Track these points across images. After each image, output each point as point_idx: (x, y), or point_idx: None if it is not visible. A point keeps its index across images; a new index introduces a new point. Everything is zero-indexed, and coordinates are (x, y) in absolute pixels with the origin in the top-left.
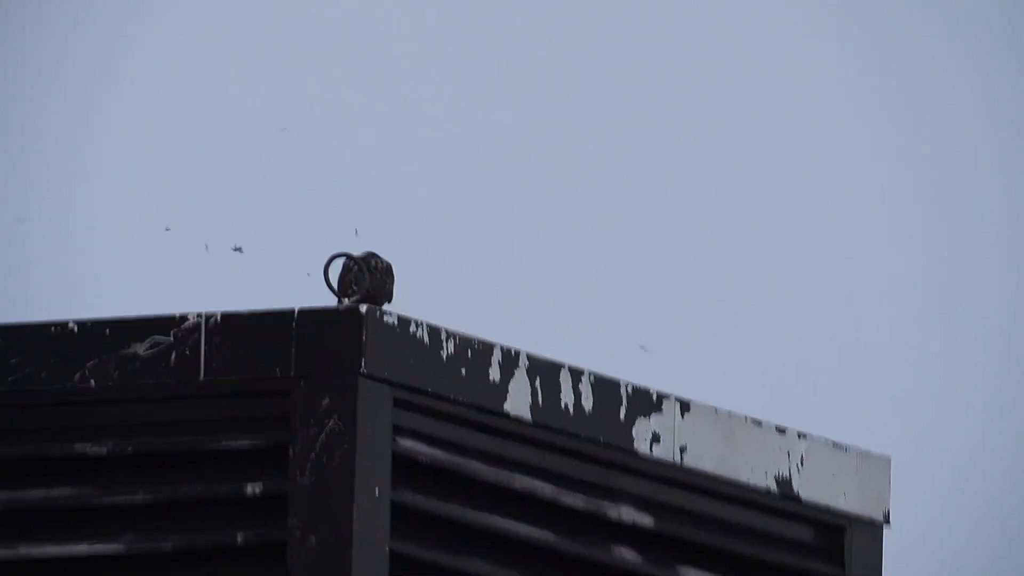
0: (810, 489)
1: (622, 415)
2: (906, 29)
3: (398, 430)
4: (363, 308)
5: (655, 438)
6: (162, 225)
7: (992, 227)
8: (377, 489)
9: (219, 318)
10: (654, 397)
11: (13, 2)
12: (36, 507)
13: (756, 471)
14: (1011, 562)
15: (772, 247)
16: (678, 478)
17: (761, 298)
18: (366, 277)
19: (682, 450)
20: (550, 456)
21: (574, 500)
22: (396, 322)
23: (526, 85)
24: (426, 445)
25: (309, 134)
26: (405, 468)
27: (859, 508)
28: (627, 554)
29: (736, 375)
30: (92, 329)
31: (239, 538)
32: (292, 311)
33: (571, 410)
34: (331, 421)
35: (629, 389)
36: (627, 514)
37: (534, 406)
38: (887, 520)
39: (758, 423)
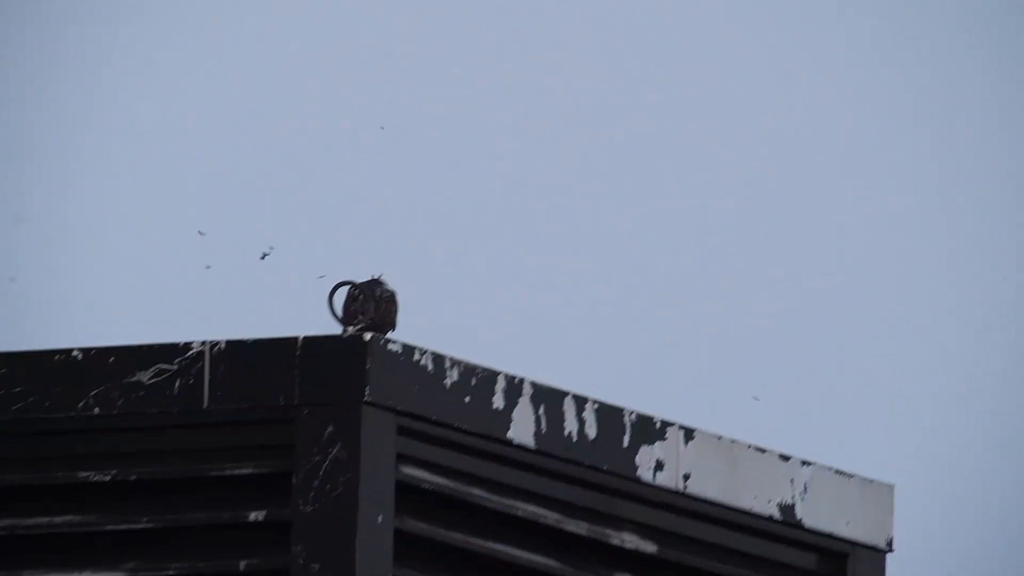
0: (813, 516)
1: (625, 442)
2: (906, 29)
3: (402, 458)
4: (367, 336)
5: (658, 465)
6: (162, 225)
7: (996, 247)
8: (380, 517)
9: (223, 346)
10: (657, 425)
11: (13, 2)
12: (40, 534)
13: (759, 498)
14: None
15: (776, 275)
16: (681, 505)
17: (765, 327)
18: (371, 305)
19: (685, 478)
20: (554, 483)
21: (577, 527)
22: (400, 350)
23: (545, 103)
24: (430, 473)
25: (310, 141)
26: (409, 496)
27: (862, 535)
28: None
29: (739, 404)
30: (96, 357)
31: (242, 565)
32: (296, 339)
33: (575, 437)
34: (335, 449)
35: (633, 417)
36: (630, 541)
37: (538, 433)
38: (890, 547)
39: (761, 450)
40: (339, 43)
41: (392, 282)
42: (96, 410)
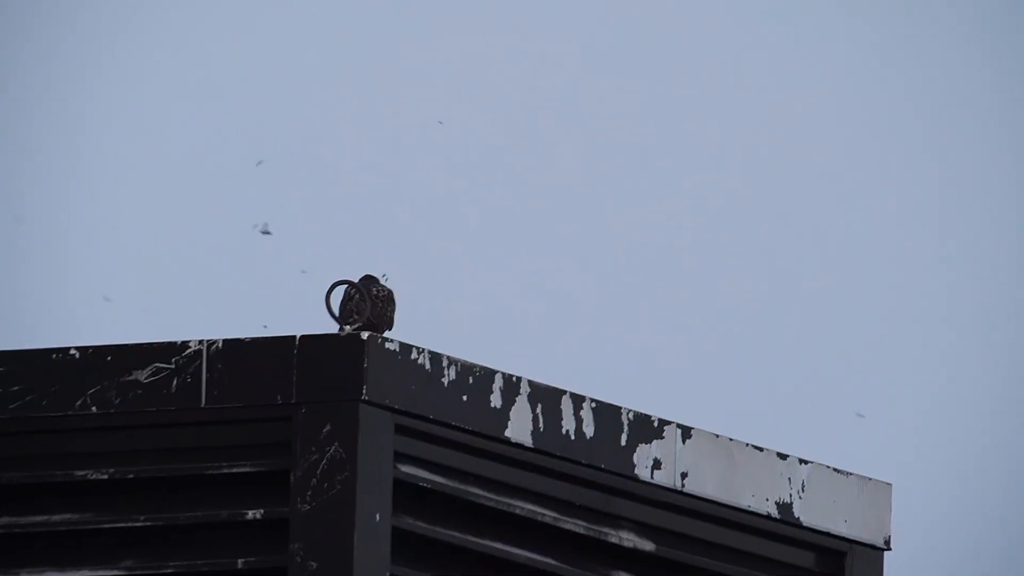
0: (811, 514)
1: (623, 441)
2: (906, 30)
3: (399, 456)
4: (364, 335)
5: (656, 464)
6: (161, 224)
7: (996, 247)
8: (378, 515)
9: (220, 345)
10: (655, 423)
11: (13, 2)
12: (38, 532)
13: (757, 497)
14: None
15: (775, 276)
16: (679, 504)
17: (761, 325)
18: (368, 304)
19: (683, 476)
20: (551, 482)
21: (575, 526)
22: (398, 349)
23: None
24: (427, 471)
25: (311, 141)
26: (406, 494)
27: (860, 533)
28: None
29: (738, 401)
30: (93, 356)
31: (240, 563)
32: (293, 338)
33: (572, 436)
34: (332, 447)
35: (630, 415)
36: (628, 539)
37: (535, 432)
38: (888, 545)
39: (759, 449)
40: (339, 43)
41: (390, 281)
42: (93, 408)
